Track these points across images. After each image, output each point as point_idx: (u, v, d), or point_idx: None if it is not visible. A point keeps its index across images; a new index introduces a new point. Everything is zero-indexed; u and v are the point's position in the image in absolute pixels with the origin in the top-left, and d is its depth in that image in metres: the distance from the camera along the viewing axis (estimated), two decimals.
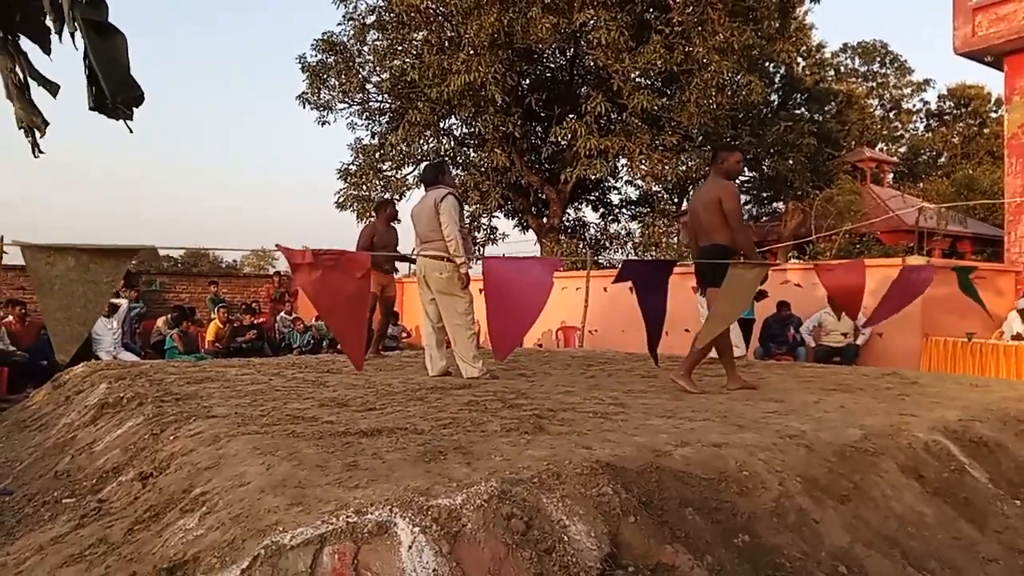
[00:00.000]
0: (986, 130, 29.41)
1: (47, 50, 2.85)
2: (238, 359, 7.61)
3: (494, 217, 19.05)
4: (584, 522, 2.14)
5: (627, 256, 20.14)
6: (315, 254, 2.56)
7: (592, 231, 20.38)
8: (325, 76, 16.90)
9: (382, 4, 16.44)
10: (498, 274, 2.86)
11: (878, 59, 31.98)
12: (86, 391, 4.91)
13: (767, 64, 18.89)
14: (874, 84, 32.27)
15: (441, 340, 5.47)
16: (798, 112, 20.92)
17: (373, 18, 16.73)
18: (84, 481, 3.07)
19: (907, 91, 32.51)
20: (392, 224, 7.33)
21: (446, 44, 15.54)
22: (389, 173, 17.88)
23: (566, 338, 12.27)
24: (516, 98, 16.02)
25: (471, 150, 18.09)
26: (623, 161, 16.88)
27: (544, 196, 17.92)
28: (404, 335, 13.82)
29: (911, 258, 9.12)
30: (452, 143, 18.10)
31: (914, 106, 32.75)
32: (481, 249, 18.66)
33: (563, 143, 15.97)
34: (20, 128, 2.91)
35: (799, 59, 23.44)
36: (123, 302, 10.58)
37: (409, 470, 2.36)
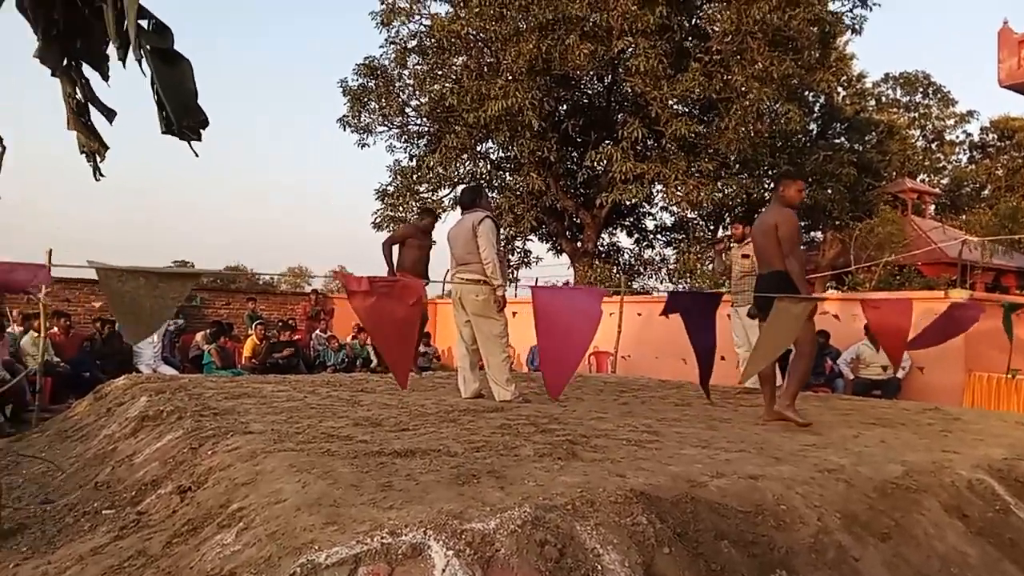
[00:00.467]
0: None
1: (105, 76, 2.95)
2: (274, 375, 7.70)
3: (528, 240, 19.13)
4: (618, 551, 2.12)
5: (661, 282, 20.04)
6: (371, 281, 2.61)
7: (626, 256, 20.33)
8: (366, 100, 17.20)
9: (423, 29, 16.73)
10: (547, 303, 2.87)
11: (920, 90, 31.59)
12: (127, 403, 5.01)
13: (807, 93, 18.77)
14: (916, 115, 31.85)
15: (475, 362, 5.49)
16: (837, 141, 20.70)
17: (414, 43, 17.01)
18: (123, 493, 3.13)
19: (950, 122, 32.03)
20: (429, 234, 7.42)
21: (485, 69, 15.74)
22: (426, 195, 18.07)
23: (598, 363, 12.20)
24: (553, 123, 16.12)
25: (507, 173, 18.23)
26: (658, 187, 16.85)
27: (579, 220, 17.95)
28: (436, 356, 13.85)
29: (954, 291, 8.92)
30: (488, 166, 18.25)
31: (957, 137, 32.25)
32: (515, 272, 18.71)
33: (599, 168, 16.02)
34: (82, 153, 3.01)
35: (839, 88, 23.25)
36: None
37: (443, 492, 2.37)
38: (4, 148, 2.62)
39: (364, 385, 6.22)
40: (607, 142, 15.74)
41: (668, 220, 20.63)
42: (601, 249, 19.20)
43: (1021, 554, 2.82)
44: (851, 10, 16.49)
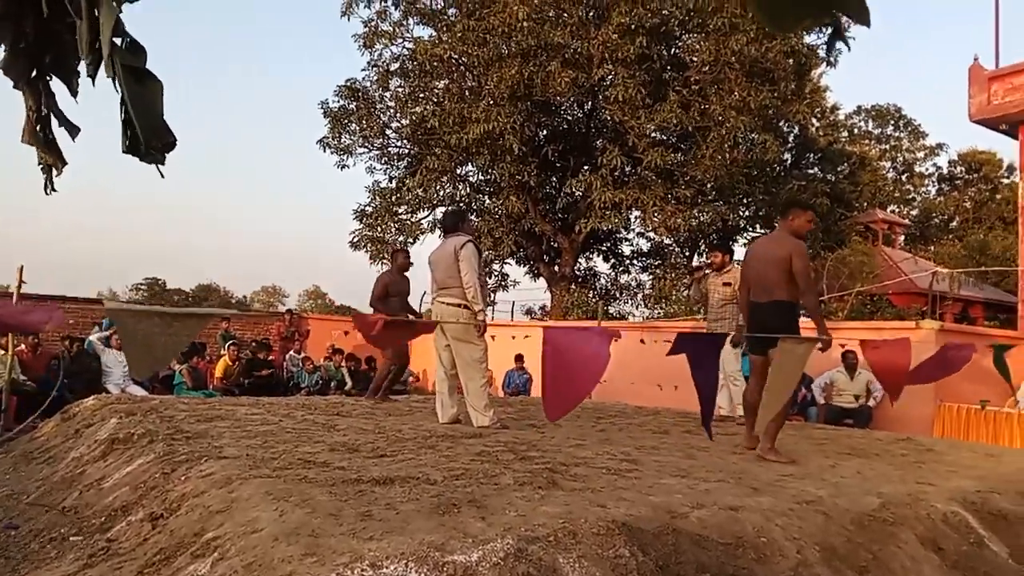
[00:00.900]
0: (997, 196, 29.52)
1: (74, 91, 2.92)
2: (247, 398, 7.59)
3: (506, 263, 19.16)
4: None
5: (637, 307, 20.14)
6: (385, 324, 2.62)
7: (603, 281, 20.43)
8: (346, 121, 17.20)
9: (406, 52, 16.81)
10: (557, 344, 2.86)
11: (891, 122, 32.30)
12: (96, 425, 4.90)
13: (782, 123, 19.11)
14: (887, 147, 32.53)
15: (453, 387, 5.45)
16: (811, 172, 21.07)
17: (396, 65, 17.08)
18: (92, 518, 3.05)
19: (920, 155, 32.74)
20: (405, 274, 7.37)
21: (467, 93, 15.84)
22: (404, 216, 18.06)
23: None
24: (533, 148, 16.24)
25: (486, 197, 18.29)
26: (636, 213, 17.00)
27: (556, 244, 18.02)
28: (413, 379, 13.75)
29: (925, 322, 9.07)
30: (468, 189, 18.31)
31: (926, 170, 32.95)
32: (492, 295, 18.70)
33: (578, 194, 16.13)
34: (39, 165, 2.97)
35: (813, 120, 23.71)
36: None
37: (423, 523, 2.34)
38: None
39: (340, 409, 6.15)
40: (586, 168, 15.89)
41: (644, 246, 20.81)
42: (578, 273, 19.28)
43: None
44: (825, 43, 16.85)
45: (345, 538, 2.14)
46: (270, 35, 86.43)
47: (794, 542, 2.65)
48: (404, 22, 16.86)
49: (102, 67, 2.39)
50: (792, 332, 4.39)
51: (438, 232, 18.34)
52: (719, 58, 14.16)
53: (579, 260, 19.04)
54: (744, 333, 4.86)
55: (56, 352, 10.15)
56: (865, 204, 25.12)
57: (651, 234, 19.04)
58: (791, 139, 21.15)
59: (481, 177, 18.13)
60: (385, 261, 17.34)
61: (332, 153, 17.65)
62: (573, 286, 17.81)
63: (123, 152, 2.46)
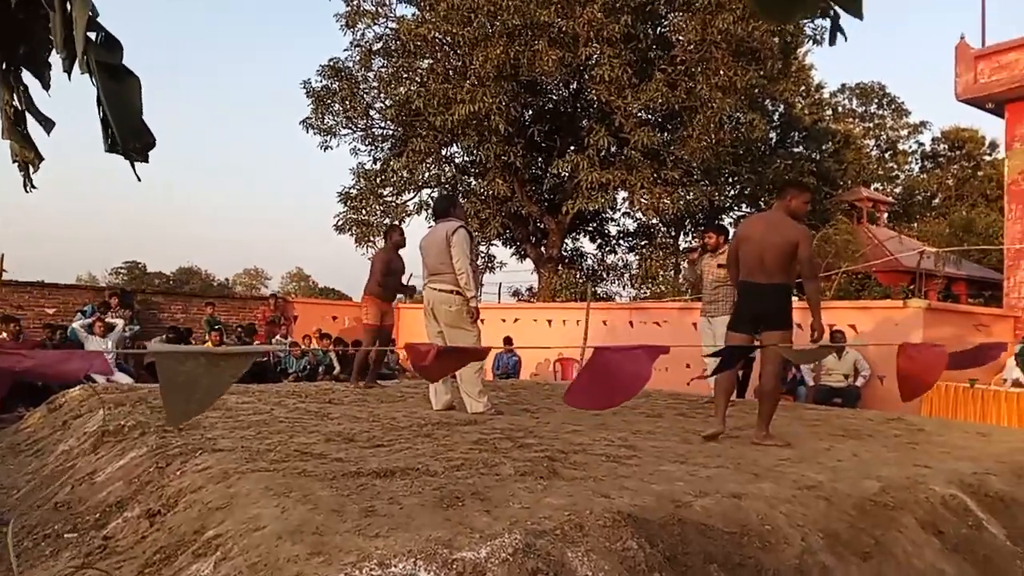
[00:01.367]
0: (980, 173, 29.76)
1: (46, 85, 2.82)
2: (235, 385, 7.51)
3: (492, 245, 19.09)
4: None
5: (624, 287, 20.17)
6: (437, 352, 2.60)
7: (589, 262, 20.43)
8: (330, 102, 16.98)
9: (389, 32, 16.59)
10: (604, 364, 2.80)
11: (875, 100, 32.38)
12: (84, 416, 4.83)
13: (767, 102, 19.09)
14: (871, 125, 32.65)
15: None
16: (796, 150, 21.12)
17: (379, 45, 16.86)
18: (86, 514, 3.00)
19: (903, 133, 32.90)
20: (399, 252, 7.31)
21: (451, 73, 15.67)
22: (390, 198, 17.92)
23: (564, 370, 12.21)
24: (519, 128, 16.11)
25: (472, 178, 18.17)
26: (623, 194, 16.97)
27: (543, 226, 17.97)
28: (397, 364, 13.68)
29: (912, 301, 9.13)
30: (454, 171, 18.18)
31: (910, 147, 33.14)
32: (480, 277, 18.64)
33: (564, 175, 16.06)
34: (14, 162, 2.87)
35: (799, 98, 23.72)
36: (119, 322, 10.49)
37: (428, 518, 2.30)
38: None
39: (331, 396, 6.11)
40: (572, 149, 15.80)
41: (631, 226, 20.81)
42: (565, 254, 19.25)
43: (995, 570, 2.87)
44: (812, 21, 16.80)
45: (351, 536, 2.10)
46: (251, 13, 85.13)
47: (798, 529, 2.64)
48: (387, 1, 16.64)
49: (77, 63, 2.30)
50: (788, 316, 4.38)
51: (424, 214, 18.26)
52: (705, 37, 14.08)
53: (566, 241, 19.01)
54: (732, 312, 4.79)
55: (38, 340, 10.01)
56: (849, 182, 25.23)
57: (638, 215, 19.03)
58: (776, 118, 21.18)
59: (467, 158, 18.00)
60: (370, 244, 17.23)
61: (315, 134, 17.47)
62: (560, 267, 17.79)
63: (106, 151, 2.37)
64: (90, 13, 2.02)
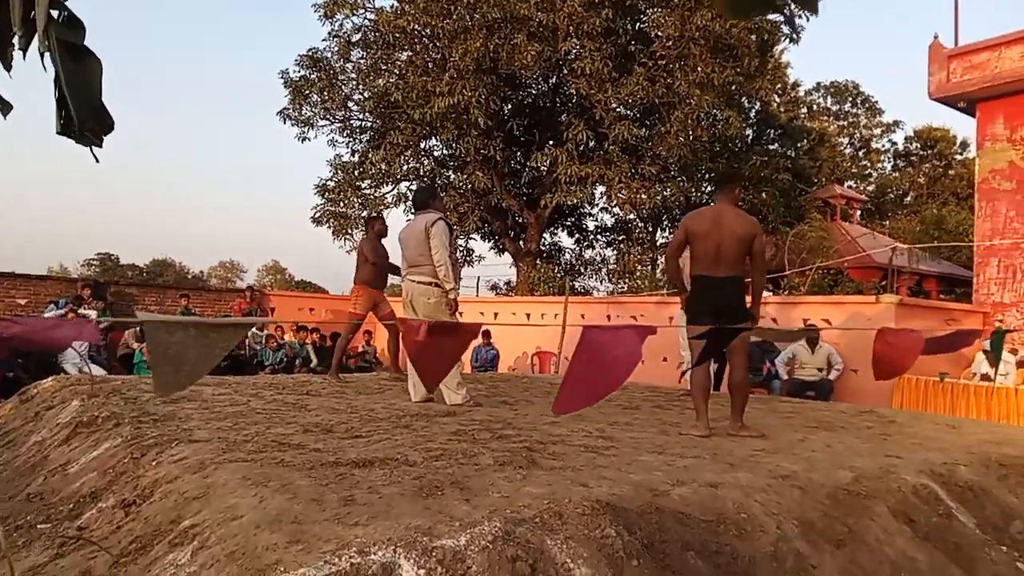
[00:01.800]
0: (951, 172, 30.24)
1: (8, 66, 2.76)
2: (211, 377, 7.44)
3: (471, 239, 19.07)
4: (588, 565, 2.10)
5: (601, 282, 20.26)
6: (428, 328, 2.55)
7: (567, 256, 20.48)
8: (307, 92, 16.83)
9: (368, 23, 16.47)
10: (593, 344, 2.78)
11: (849, 99, 32.77)
12: (57, 407, 4.74)
13: (744, 99, 19.24)
14: (845, 123, 33.04)
15: None
16: (772, 148, 21.31)
17: (358, 36, 16.73)
18: (60, 505, 2.96)
19: (876, 131, 33.34)
20: (382, 240, 7.27)
21: (431, 66, 15.60)
22: (368, 191, 17.82)
23: (541, 363, 12.24)
24: (498, 122, 16.10)
25: (451, 171, 18.12)
26: (601, 189, 17.02)
27: (522, 220, 17.98)
28: (375, 357, 13.61)
29: (885, 296, 9.26)
30: (432, 164, 18.12)
31: (883, 146, 33.60)
32: (460, 270, 18.61)
33: (543, 169, 16.07)
34: None
35: (775, 96, 23.92)
36: (91, 313, 10.35)
37: (408, 506, 2.30)
38: None
39: (309, 388, 6.06)
40: (551, 142, 15.81)
41: (608, 221, 20.89)
42: (543, 249, 19.29)
43: (965, 558, 2.93)
44: (789, 18, 16.95)
45: (329, 524, 2.10)
46: (226, 2, 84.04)
47: (773, 517, 2.68)
48: None
49: (35, 41, 2.25)
50: (746, 308, 4.44)
51: (403, 207, 18.17)
52: (684, 33, 14.15)
53: (544, 235, 19.04)
54: (688, 307, 4.55)
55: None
56: (824, 179, 25.53)
57: (616, 210, 19.11)
58: (753, 115, 21.34)
59: (446, 151, 17.95)
60: (348, 236, 17.13)
61: (292, 125, 17.31)
62: (538, 261, 17.81)
63: (57, 133, 2.33)
64: None
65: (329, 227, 17.36)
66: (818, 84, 32.53)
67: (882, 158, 33.57)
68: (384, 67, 16.64)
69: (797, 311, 10.06)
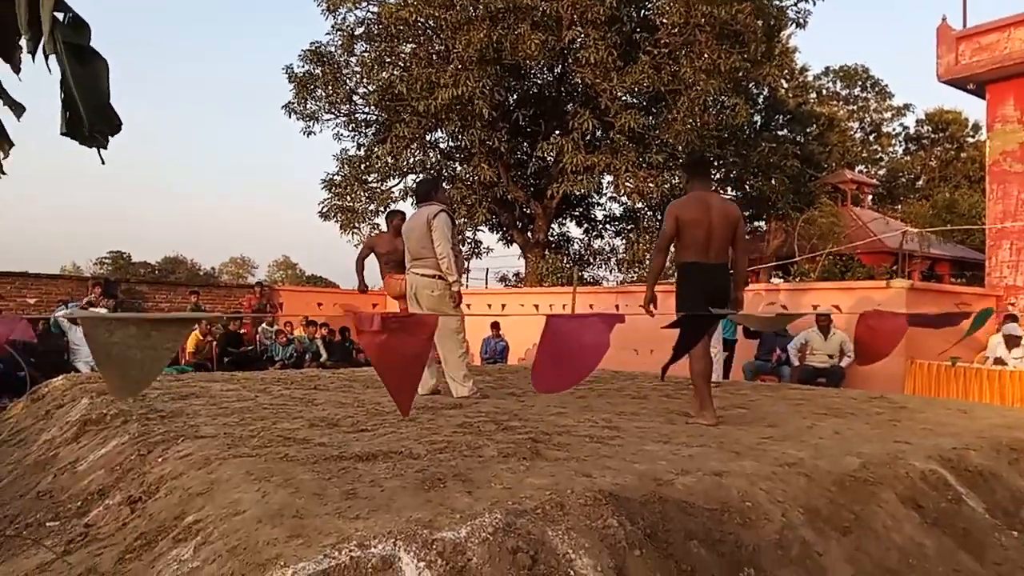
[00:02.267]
0: (963, 154, 29.95)
1: (17, 69, 2.76)
2: (221, 373, 7.49)
3: (479, 231, 19.05)
4: (590, 556, 2.09)
5: (611, 272, 20.20)
6: (383, 319, 2.50)
7: (576, 246, 20.42)
8: (312, 86, 16.82)
9: (371, 16, 16.42)
10: (558, 333, 2.77)
11: (859, 83, 32.47)
12: (67, 405, 4.78)
13: (751, 85, 19.07)
14: (855, 108, 32.75)
15: (432, 357, 5.40)
16: (781, 133, 21.12)
17: (362, 29, 16.69)
18: (68, 503, 2.98)
19: (887, 115, 33.04)
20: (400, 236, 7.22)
21: (434, 57, 15.56)
22: (374, 185, 17.81)
23: None
24: (503, 113, 16.04)
25: (457, 164, 18.08)
26: (608, 178, 16.94)
27: (529, 211, 17.93)
28: None
29: (895, 281, 9.19)
30: (438, 156, 18.08)
31: (894, 130, 33.31)
32: (467, 263, 18.61)
33: (549, 159, 16.02)
34: None
35: (782, 81, 23.70)
36: (102, 311, 10.41)
37: (409, 499, 2.30)
38: None
39: (317, 382, 6.09)
40: (557, 133, 15.75)
41: (617, 210, 20.79)
42: (551, 239, 19.24)
43: (974, 544, 2.90)
44: (795, 4, 16.80)
45: (331, 518, 2.10)
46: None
47: (778, 505, 2.66)
48: None
49: (42, 44, 2.25)
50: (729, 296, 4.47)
51: (410, 200, 18.17)
52: (689, 20, 14.04)
53: (552, 226, 18.98)
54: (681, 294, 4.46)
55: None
56: (834, 165, 25.32)
57: (623, 199, 19.01)
58: (761, 101, 21.14)
59: (451, 143, 17.90)
60: (355, 230, 17.16)
61: (298, 119, 17.30)
62: (547, 252, 17.78)
63: (61, 134, 2.33)
64: None
65: (337, 221, 17.38)
66: (827, 69, 32.28)
67: (893, 142, 33.30)
68: (388, 60, 16.60)
69: (807, 297, 10.01)
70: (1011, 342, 8.70)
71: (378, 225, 16.63)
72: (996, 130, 10.95)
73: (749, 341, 9.73)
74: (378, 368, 2.60)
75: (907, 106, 32.75)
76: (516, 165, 17.64)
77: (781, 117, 21.86)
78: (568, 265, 17.47)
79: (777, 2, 16.46)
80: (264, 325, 12.68)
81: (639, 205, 19.44)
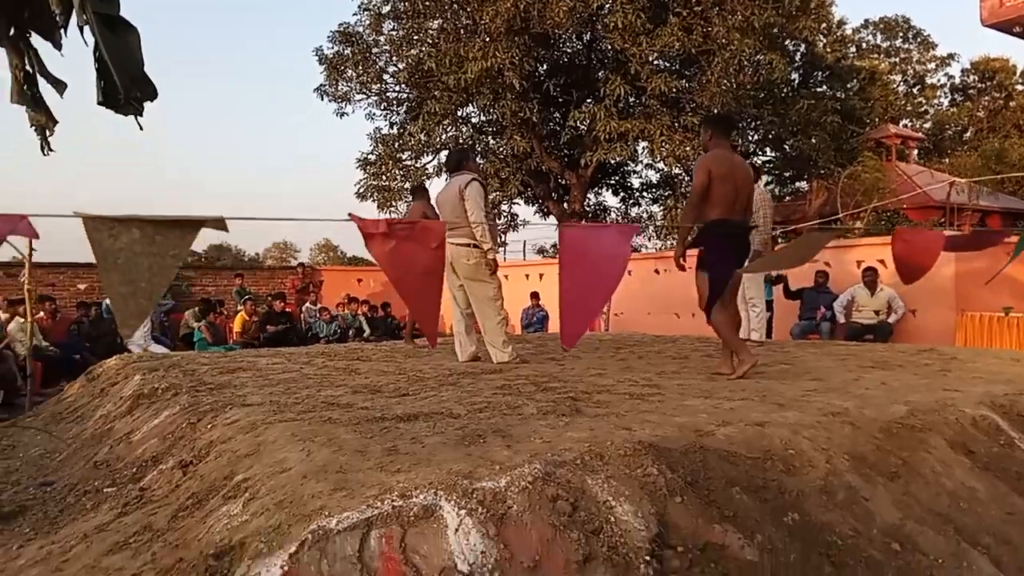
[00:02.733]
0: (1012, 103, 28.84)
1: (57, 45, 2.81)
2: (267, 349, 7.64)
3: (514, 204, 19.00)
4: (630, 503, 2.10)
5: (649, 239, 20.02)
6: (388, 223, 2.51)
7: (613, 215, 20.25)
8: (342, 68, 16.87)
9: None
10: (575, 243, 2.75)
11: (900, 34, 31.40)
12: (120, 383, 4.94)
13: (787, 42, 18.55)
14: (897, 60, 31.71)
15: (470, 326, 5.45)
16: (820, 90, 20.55)
17: (388, 8, 16.65)
18: (124, 470, 3.08)
19: (931, 66, 31.93)
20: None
21: (462, 31, 15.45)
22: (409, 162, 17.86)
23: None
24: (534, 84, 15.89)
25: (490, 137, 18.01)
26: (643, 144, 16.71)
27: (564, 182, 17.81)
28: None
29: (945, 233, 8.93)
30: (471, 131, 18.03)
31: (938, 81, 32.19)
32: (503, 236, 18.61)
33: (582, 127, 15.85)
34: (32, 127, 2.89)
35: (820, 36, 23.01)
36: None
37: (450, 454, 2.33)
38: None
39: (360, 354, 6.18)
40: (589, 101, 15.56)
41: (653, 177, 20.54)
42: (588, 210, 19.10)
43: None
44: None
45: (373, 472, 2.14)
46: None
47: (823, 452, 2.63)
48: None
49: (73, 15, 2.28)
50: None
51: (444, 176, 18.20)
52: None
53: (588, 196, 18.83)
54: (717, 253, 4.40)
55: (75, 317, 10.25)
56: (877, 120, 24.58)
57: (660, 165, 18.75)
58: (798, 57, 20.58)
59: (483, 117, 17.83)
60: (392, 208, 17.27)
61: (330, 101, 17.39)
62: (584, 222, 17.67)
63: (98, 103, 2.37)
64: None
65: (374, 200, 17.49)
66: (866, 21, 31.31)
67: (938, 93, 32.20)
68: (416, 37, 16.54)
69: (851, 254, 9.80)
70: None
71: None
72: None
73: (791, 303, 9.58)
74: (394, 283, 2.61)
75: (951, 56, 31.62)
76: (549, 136, 17.50)
77: (820, 73, 21.27)
78: None
79: None
80: (308, 304, 12.89)
81: (676, 170, 19.18)
